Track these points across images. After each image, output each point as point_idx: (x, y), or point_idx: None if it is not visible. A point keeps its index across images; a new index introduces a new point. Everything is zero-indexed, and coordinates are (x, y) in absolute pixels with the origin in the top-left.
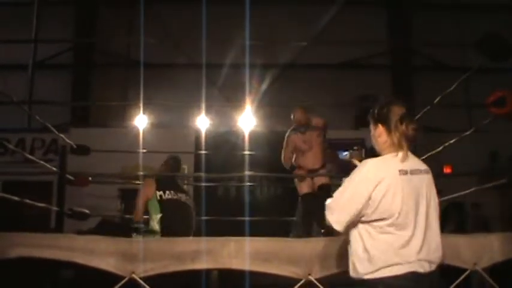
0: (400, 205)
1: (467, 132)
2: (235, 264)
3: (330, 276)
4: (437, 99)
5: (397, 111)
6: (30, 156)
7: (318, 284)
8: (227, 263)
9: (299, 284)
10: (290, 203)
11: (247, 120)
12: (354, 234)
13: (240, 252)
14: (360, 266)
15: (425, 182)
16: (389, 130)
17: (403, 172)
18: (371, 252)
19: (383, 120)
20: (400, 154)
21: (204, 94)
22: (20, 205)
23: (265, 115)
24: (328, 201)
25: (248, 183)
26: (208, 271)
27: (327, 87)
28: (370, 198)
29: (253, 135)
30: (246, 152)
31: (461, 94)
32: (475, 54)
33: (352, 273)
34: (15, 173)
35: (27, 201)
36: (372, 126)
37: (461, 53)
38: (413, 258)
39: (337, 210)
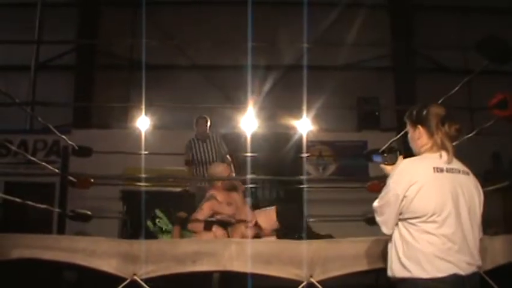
0: (435, 203)
1: (470, 135)
2: (237, 266)
3: (331, 278)
4: (440, 101)
5: (437, 112)
6: (32, 158)
7: (319, 286)
8: (228, 265)
9: (301, 286)
10: (291, 205)
11: (249, 122)
12: (395, 235)
13: (241, 254)
14: (400, 267)
15: (463, 182)
16: (430, 132)
17: (438, 170)
18: (412, 254)
19: (423, 122)
20: (444, 154)
21: (206, 96)
22: (22, 206)
23: (267, 117)
24: (375, 203)
25: (250, 185)
26: (210, 273)
27: (330, 89)
28: (405, 197)
29: (255, 137)
30: (248, 154)
31: (464, 96)
32: (477, 57)
33: (390, 273)
34: (17, 174)
35: (29, 202)
36: (409, 129)
37: (464, 55)
38: (454, 258)
39: (382, 213)
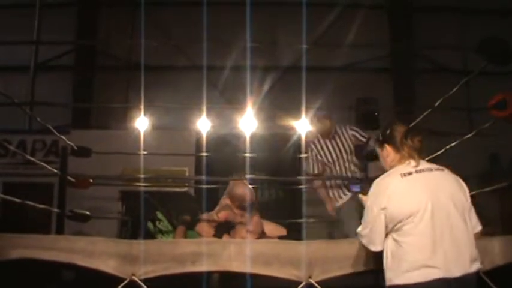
0: (409, 205)
1: (468, 135)
2: (236, 266)
3: (330, 279)
4: (438, 102)
5: (399, 129)
6: (31, 158)
7: (318, 286)
8: (227, 265)
9: (300, 287)
10: (291, 206)
11: (248, 122)
12: (384, 248)
13: (241, 255)
14: (388, 274)
15: (439, 178)
16: (396, 147)
17: (406, 174)
18: (397, 259)
19: (388, 140)
20: (412, 161)
21: (205, 96)
22: (21, 207)
23: (266, 117)
24: (358, 229)
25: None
26: (209, 273)
27: (328, 90)
28: (383, 210)
29: (254, 138)
30: (247, 155)
31: (462, 97)
32: (476, 57)
33: (386, 283)
34: (16, 174)
35: (28, 203)
36: (379, 150)
37: (463, 56)
38: (437, 262)
39: (367, 235)
